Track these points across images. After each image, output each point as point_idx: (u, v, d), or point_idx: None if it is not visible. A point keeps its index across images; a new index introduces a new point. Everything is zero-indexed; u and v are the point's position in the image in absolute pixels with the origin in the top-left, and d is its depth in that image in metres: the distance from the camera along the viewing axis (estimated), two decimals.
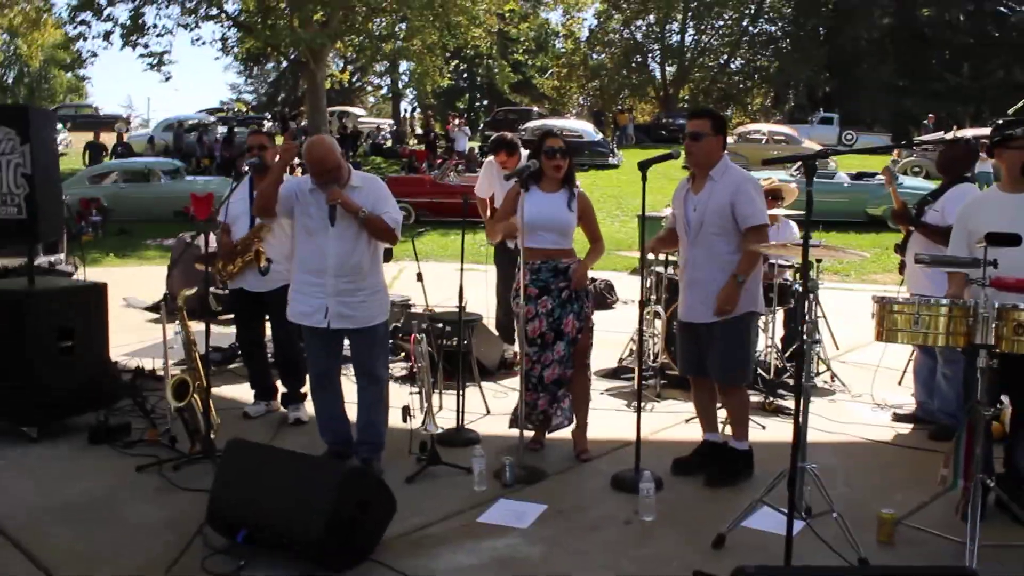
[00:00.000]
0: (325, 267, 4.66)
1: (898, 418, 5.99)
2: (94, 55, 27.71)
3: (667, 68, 45.76)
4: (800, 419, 3.56)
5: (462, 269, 5.66)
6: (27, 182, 5.35)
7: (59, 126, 31.66)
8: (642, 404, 4.91)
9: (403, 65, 33.47)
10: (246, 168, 5.57)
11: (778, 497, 3.91)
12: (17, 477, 4.82)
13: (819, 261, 7.27)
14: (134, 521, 4.23)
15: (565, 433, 5.22)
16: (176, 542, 3.91)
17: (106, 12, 25.42)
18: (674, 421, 5.93)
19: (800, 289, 7.23)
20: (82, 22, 25.80)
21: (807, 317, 3.78)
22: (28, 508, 4.38)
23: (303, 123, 30.20)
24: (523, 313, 4.89)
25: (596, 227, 5.20)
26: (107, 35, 25.73)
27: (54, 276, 6.77)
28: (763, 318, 6.13)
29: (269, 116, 36.78)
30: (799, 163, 17.27)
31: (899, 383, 6.87)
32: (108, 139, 28.45)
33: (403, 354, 7.19)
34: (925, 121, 32.25)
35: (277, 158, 4.89)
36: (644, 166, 4.69)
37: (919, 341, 4.04)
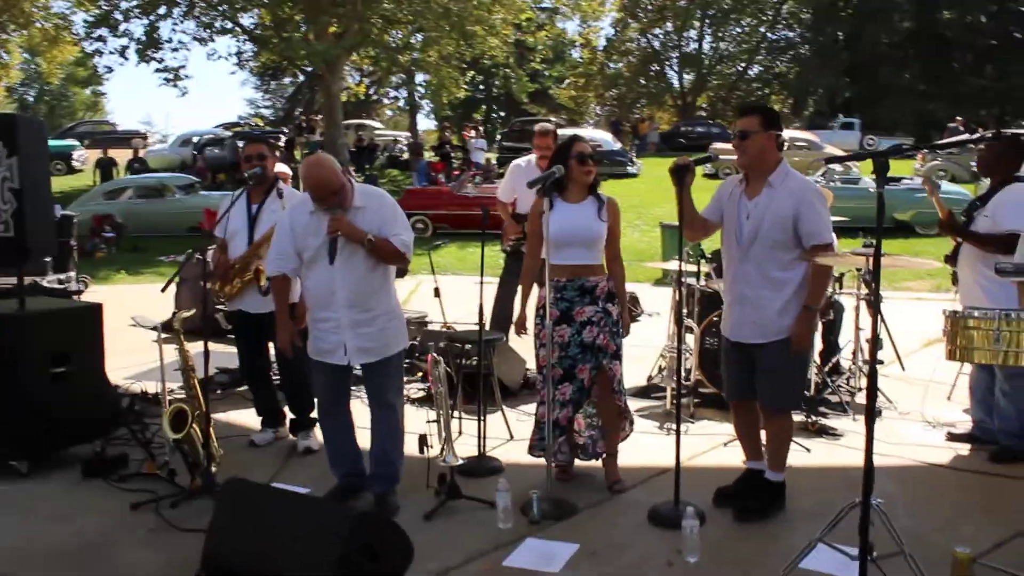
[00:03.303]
0: (334, 300, 4.27)
1: (953, 437, 5.54)
2: (110, 70, 27.64)
3: (685, 76, 45.47)
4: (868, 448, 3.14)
5: (482, 283, 5.27)
6: (15, 197, 5.00)
7: (76, 143, 31.62)
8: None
9: (419, 77, 33.12)
10: (247, 178, 5.21)
11: (839, 534, 3.50)
12: (2, 517, 4.43)
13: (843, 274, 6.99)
14: (125, 569, 3.84)
15: (596, 461, 4.79)
16: None
17: (122, 28, 25.38)
18: (711, 444, 5.50)
19: (837, 301, 6.83)
20: (98, 38, 25.77)
21: (875, 333, 3.35)
22: (11, 552, 4.01)
23: (318, 135, 29.91)
24: (550, 334, 4.47)
25: (618, 242, 4.72)
26: (123, 50, 25.68)
27: (49, 297, 6.38)
28: None
29: (286, 130, 36.47)
30: (825, 168, 17.08)
31: (948, 398, 6.43)
32: (124, 155, 28.26)
33: (420, 374, 6.79)
34: (951, 124, 31.52)
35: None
36: (679, 171, 4.24)
37: (999, 360, 3.59)
